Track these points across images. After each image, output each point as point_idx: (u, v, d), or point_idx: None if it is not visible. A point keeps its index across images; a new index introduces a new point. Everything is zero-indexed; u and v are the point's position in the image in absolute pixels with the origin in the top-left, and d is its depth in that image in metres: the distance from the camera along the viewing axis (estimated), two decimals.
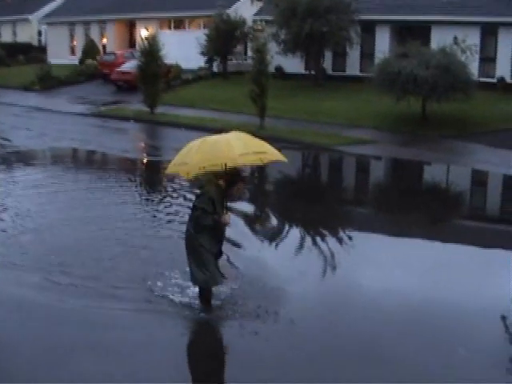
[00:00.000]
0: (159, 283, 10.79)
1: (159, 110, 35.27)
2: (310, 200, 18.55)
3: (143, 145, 29.01)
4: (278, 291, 10.73)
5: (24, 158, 24.67)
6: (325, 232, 14.79)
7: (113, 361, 8.68)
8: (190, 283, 10.23)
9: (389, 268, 12.12)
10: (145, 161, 25.34)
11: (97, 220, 15.04)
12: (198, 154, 9.38)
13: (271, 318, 9.79)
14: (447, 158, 25.15)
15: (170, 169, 9.88)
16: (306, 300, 10.53)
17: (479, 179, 23.45)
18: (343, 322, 9.90)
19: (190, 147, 9.67)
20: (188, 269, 10.09)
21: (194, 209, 9.82)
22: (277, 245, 13.62)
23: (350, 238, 14.48)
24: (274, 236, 14.12)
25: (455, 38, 32.07)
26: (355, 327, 9.69)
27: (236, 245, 12.83)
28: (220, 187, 9.66)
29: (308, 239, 14.03)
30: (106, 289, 10.77)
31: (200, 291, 10.07)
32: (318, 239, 14.09)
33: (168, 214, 15.90)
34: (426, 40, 35.12)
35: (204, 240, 9.76)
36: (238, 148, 9.24)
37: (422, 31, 36.37)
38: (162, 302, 10.25)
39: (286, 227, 15.03)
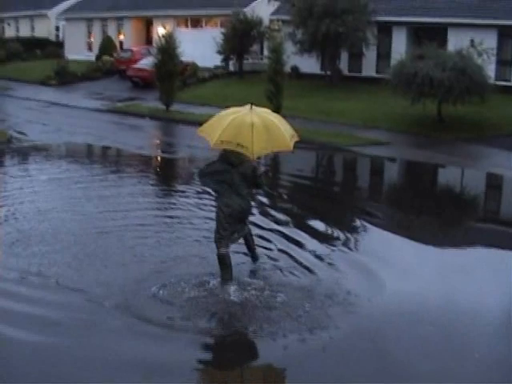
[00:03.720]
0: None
1: (175, 107, 35.36)
2: (325, 200, 18.55)
3: (158, 142, 29.07)
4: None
5: (39, 152, 24.81)
6: (342, 233, 14.56)
7: None
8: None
9: (405, 271, 12.08)
10: (159, 158, 25.39)
11: (108, 214, 15.15)
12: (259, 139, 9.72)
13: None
14: (462, 161, 25.11)
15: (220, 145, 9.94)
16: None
17: (494, 183, 23.36)
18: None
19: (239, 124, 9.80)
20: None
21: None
22: (299, 246, 13.38)
23: (367, 239, 14.35)
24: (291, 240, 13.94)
25: (472, 41, 32.04)
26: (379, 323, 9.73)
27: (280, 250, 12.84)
28: None
29: (324, 241, 13.85)
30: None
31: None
32: (335, 240, 13.94)
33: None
34: (443, 42, 35.06)
35: None
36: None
37: (438, 33, 36.31)
38: None
39: (302, 229, 14.81)
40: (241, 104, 10.75)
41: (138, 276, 11.06)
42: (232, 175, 10.29)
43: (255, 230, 12.43)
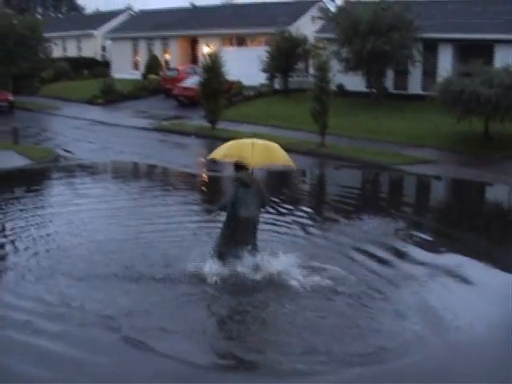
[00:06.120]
0: None
1: (220, 125, 35.44)
2: (375, 219, 18.37)
3: (204, 160, 29.13)
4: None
5: (85, 170, 25.06)
6: (395, 253, 14.32)
7: None
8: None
9: (457, 293, 11.96)
10: (205, 176, 25.45)
11: (154, 235, 15.17)
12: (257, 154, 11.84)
13: None
14: (510, 180, 24.80)
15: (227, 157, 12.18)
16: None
17: None
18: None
19: (241, 144, 12.19)
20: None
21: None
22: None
23: (418, 258, 14.13)
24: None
25: None
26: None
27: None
28: None
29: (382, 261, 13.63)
30: None
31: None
32: (392, 263, 13.63)
33: None
34: (489, 58, 34.80)
35: None
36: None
37: (484, 50, 36.02)
38: None
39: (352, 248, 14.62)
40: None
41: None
42: (245, 193, 11.82)
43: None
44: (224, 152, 12.03)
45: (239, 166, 12.01)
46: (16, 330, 9.79)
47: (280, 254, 12.08)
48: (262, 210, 12.45)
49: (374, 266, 13.11)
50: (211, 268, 11.76)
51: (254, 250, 12.07)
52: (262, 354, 9.45)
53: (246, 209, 11.80)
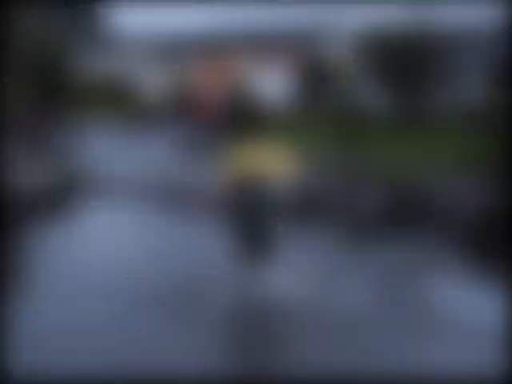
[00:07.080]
0: None
1: None
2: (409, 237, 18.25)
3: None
4: None
5: (112, 190, 25.08)
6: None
7: None
8: None
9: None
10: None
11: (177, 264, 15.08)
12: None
13: None
14: None
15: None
16: None
17: None
18: None
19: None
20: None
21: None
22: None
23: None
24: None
25: None
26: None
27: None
28: None
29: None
30: None
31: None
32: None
33: None
34: None
35: None
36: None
37: None
38: None
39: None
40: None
41: None
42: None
43: None
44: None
45: None
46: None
47: (299, 269, 12.12)
48: (274, 216, 12.83)
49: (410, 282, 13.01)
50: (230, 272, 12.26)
51: (269, 256, 12.49)
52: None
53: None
